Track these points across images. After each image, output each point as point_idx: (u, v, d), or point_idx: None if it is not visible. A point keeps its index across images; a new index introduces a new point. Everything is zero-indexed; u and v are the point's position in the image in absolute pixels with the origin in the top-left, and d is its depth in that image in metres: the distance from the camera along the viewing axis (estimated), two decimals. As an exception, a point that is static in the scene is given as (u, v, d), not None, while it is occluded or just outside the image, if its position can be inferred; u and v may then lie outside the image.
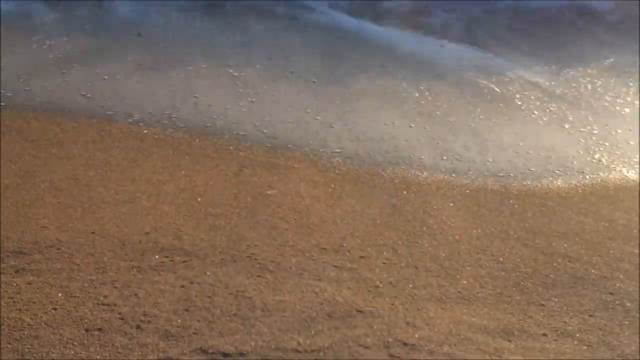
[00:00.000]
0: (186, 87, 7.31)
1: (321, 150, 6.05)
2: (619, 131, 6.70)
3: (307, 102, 7.07)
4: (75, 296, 4.03)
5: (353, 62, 8.38)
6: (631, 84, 7.82)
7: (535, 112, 7.04)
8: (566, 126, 6.76)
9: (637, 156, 6.14)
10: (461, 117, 6.86)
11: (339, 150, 6.07)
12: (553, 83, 7.80)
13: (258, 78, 7.68)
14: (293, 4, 10.23)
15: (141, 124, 6.38)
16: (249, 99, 7.10)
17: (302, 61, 8.19)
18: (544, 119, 6.92)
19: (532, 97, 7.38)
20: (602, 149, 6.32)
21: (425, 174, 5.70)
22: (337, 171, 5.69)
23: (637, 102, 7.41)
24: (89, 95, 6.97)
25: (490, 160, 6.01)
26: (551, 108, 7.15)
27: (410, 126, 6.61)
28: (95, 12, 9.76)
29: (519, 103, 7.24)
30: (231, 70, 7.82)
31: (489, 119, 6.85)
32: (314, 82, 7.61)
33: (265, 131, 6.39)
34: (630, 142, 6.45)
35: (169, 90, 7.22)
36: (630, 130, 6.74)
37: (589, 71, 8.20)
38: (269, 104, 7.01)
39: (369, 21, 9.99)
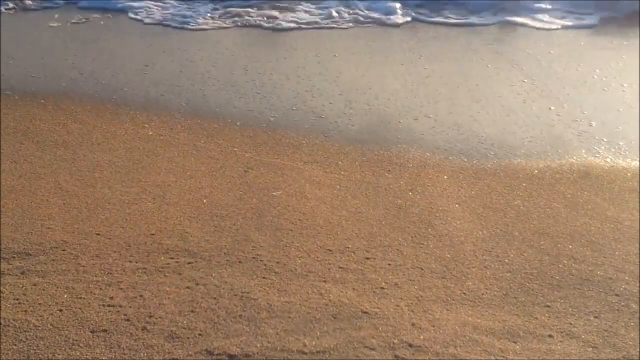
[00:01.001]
0: (193, 87, 7.33)
1: (326, 151, 6.06)
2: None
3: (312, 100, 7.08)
4: (80, 297, 4.04)
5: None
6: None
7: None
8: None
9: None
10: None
11: (344, 152, 6.07)
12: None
13: (267, 76, 7.70)
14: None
15: (146, 125, 6.39)
16: (257, 97, 7.11)
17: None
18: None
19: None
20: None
21: (431, 172, 5.70)
22: (342, 172, 5.69)
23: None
24: (95, 96, 6.99)
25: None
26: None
27: (416, 119, 6.62)
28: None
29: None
30: (241, 71, 7.83)
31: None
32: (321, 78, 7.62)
33: (270, 132, 6.40)
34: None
35: (176, 89, 7.24)
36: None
37: None
38: (277, 102, 7.02)
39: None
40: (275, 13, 10.53)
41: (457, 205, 5.23)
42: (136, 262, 4.39)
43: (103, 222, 4.83)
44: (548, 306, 4.15)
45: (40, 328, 3.78)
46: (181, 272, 4.30)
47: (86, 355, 3.59)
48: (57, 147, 5.89)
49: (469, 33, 10.14)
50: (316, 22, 10.26)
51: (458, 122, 6.80)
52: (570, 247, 4.75)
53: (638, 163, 6.00)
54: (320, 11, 10.68)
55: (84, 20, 10.26)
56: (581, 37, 9.95)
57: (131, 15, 10.68)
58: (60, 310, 3.92)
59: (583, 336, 3.90)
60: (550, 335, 3.88)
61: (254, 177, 5.53)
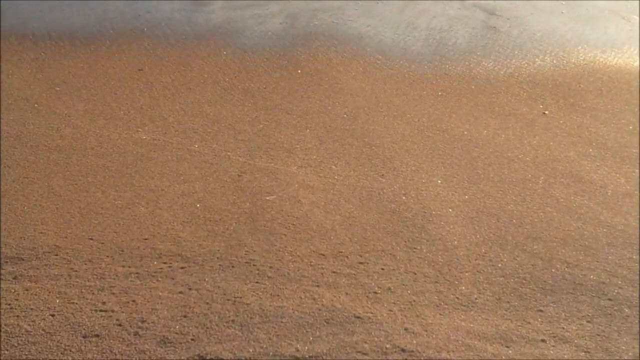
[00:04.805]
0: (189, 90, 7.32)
1: (320, 155, 6.05)
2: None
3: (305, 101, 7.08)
4: (73, 302, 4.03)
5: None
6: None
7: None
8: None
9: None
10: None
11: (337, 155, 6.07)
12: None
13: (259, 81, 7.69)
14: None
15: (140, 130, 6.38)
16: (251, 103, 7.10)
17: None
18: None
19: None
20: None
21: (424, 177, 5.70)
22: (336, 176, 5.69)
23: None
24: (89, 100, 6.98)
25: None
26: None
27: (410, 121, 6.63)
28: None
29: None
30: (229, 75, 7.82)
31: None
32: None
33: (264, 136, 6.39)
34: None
35: (169, 93, 7.23)
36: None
37: None
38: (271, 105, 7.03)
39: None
40: None
41: (450, 210, 5.23)
42: (129, 267, 4.38)
43: (96, 226, 4.82)
44: (541, 311, 4.16)
45: (32, 333, 3.77)
46: (174, 277, 4.29)
47: (78, 360, 3.59)
48: (51, 152, 5.88)
49: None
50: None
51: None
52: (563, 251, 4.76)
53: (638, 169, 6.02)
54: None
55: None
56: None
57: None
58: (53, 315, 3.92)
59: (576, 341, 3.91)
60: (543, 340, 3.89)
61: (248, 182, 5.52)
